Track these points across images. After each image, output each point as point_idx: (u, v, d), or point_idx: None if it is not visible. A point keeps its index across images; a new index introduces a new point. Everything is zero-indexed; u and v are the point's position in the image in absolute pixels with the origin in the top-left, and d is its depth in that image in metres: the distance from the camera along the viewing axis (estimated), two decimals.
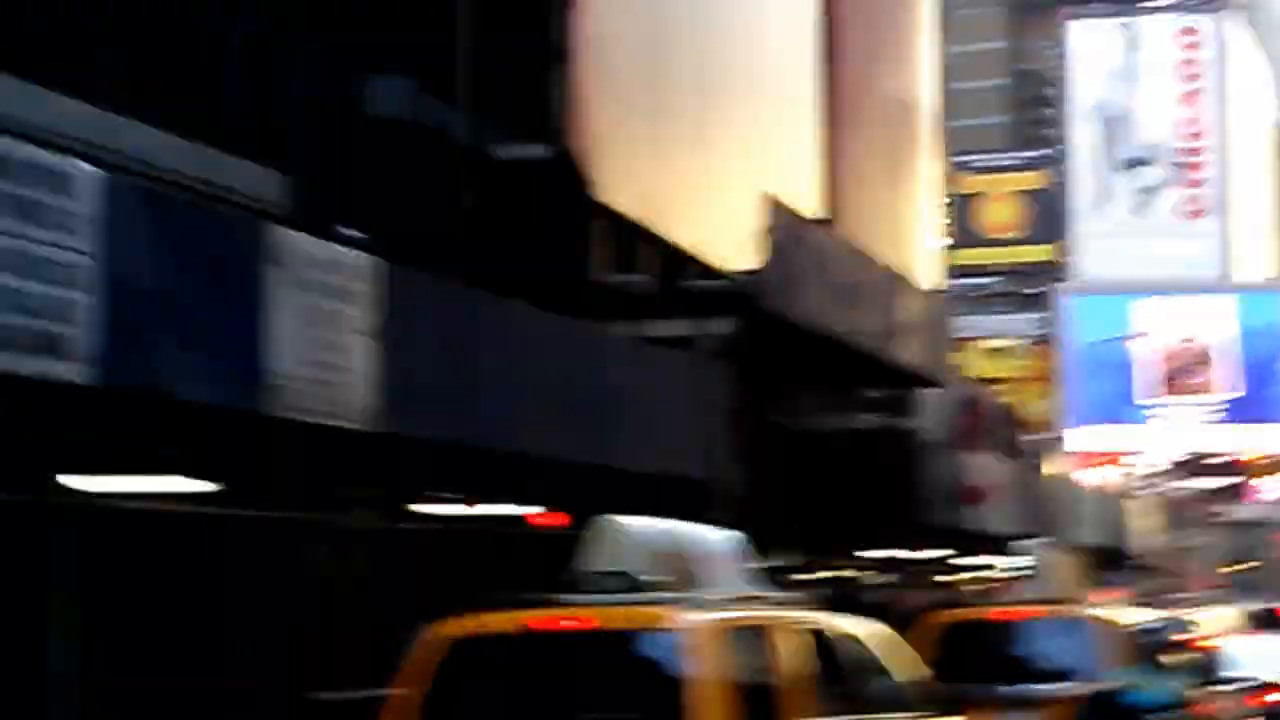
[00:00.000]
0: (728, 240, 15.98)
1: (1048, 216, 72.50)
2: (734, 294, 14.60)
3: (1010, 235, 72.63)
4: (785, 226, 15.61)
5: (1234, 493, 60.96)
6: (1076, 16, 73.73)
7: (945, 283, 31.18)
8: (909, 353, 19.66)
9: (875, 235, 23.75)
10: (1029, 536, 22.46)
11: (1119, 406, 66.14)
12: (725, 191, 17.26)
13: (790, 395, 17.71)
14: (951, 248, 69.82)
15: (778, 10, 21.31)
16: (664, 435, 13.03)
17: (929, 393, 21.30)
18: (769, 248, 15.03)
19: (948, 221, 69.38)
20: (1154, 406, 65.90)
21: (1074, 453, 61.85)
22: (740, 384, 14.69)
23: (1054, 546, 17.35)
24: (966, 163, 72.60)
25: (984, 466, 21.97)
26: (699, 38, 18.08)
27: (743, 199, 16.15)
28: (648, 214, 15.47)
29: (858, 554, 19.49)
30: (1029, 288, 71.35)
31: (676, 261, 15.91)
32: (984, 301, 70.19)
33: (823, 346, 16.68)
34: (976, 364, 62.12)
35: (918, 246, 27.89)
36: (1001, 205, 73.05)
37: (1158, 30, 72.68)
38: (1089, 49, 73.07)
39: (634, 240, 15.35)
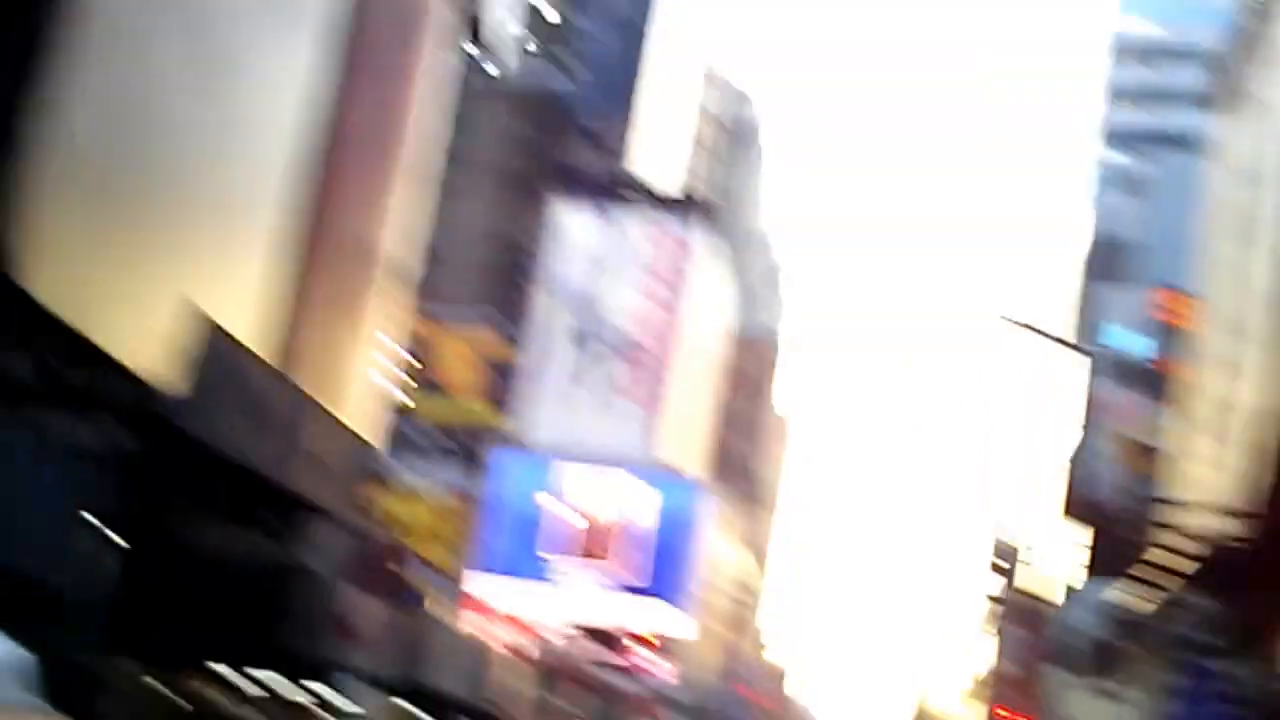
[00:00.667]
0: (157, 352, 15.77)
1: (502, 379, 74.25)
2: (139, 403, 14.40)
3: (463, 392, 73.85)
4: (208, 343, 15.57)
5: (620, 665, 63.33)
6: (563, 198, 76.81)
7: (385, 427, 31.44)
8: (321, 485, 19.76)
9: (321, 371, 23.85)
10: (396, 680, 22.80)
11: (526, 565, 68.09)
12: (166, 304, 17.04)
13: (188, 511, 17.46)
14: (402, 395, 70.78)
15: (262, 133, 21.34)
16: (36, 533, 12.66)
17: (331, 526, 21.40)
18: (187, 363, 14.96)
19: (404, 370, 70.22)
20: (559, 570, 68.06)
21: (475, 605, 63.08)
22: (133, 494, 14.44)
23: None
24: (434, 315, 73.98)
25: (369, 606, 22.16)
26: (174, 155, 17.93)
27: (181, 315, 16.06)
28: (73, 309, 15.12)
29: (224, 674, 19.23)
30: (472, 443, 72.52)
31: (94, 361, 15.54)
32: (424, 451, 70.99)
33: (228, 467, 16.61)
34: (401, 508, 62.67)
35: (363, 387, 28.05)
36: (461, 362, 74.31)
37: (635, 225, 76.62)
38: (570, 229, 76.14)
39: (55, 334, 14.94)
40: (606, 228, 77.04)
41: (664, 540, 69.42)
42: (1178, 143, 63.02)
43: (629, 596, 66.26)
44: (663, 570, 68.65)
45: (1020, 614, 45.53)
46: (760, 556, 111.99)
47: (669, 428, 77.14)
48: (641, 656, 65.06)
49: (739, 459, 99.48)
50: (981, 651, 61.62)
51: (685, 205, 78.98)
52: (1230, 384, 16.35)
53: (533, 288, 76.22)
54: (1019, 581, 45.45)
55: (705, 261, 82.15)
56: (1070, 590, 31.74)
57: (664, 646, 66.38)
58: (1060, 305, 57.70)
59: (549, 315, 75.24)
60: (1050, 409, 49.04)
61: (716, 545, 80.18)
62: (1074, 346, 37.55)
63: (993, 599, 56.45)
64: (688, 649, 69.67)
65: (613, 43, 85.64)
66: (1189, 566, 15.44)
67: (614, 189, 78.25)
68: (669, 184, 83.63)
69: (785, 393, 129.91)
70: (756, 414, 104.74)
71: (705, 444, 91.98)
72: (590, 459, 70.07)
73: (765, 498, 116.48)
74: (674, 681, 66.11)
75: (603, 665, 61.71)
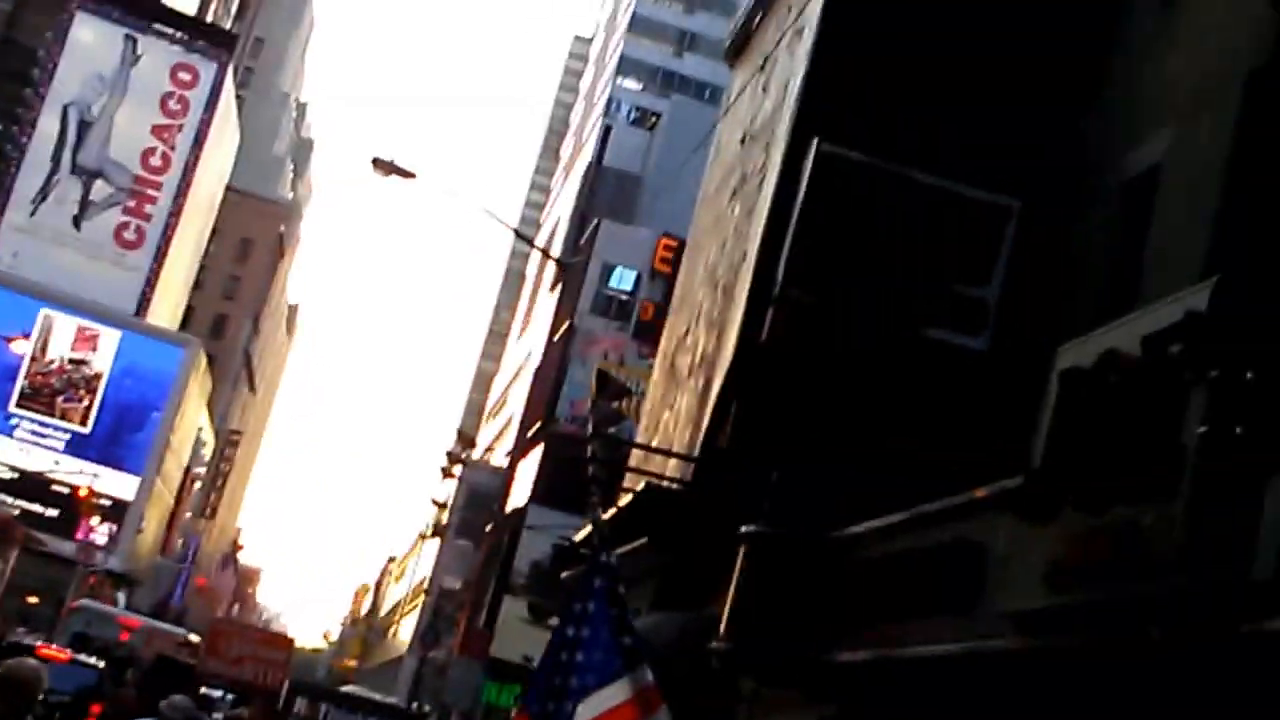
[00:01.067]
0: None
1: None
2: None
3: None
4: None
5: (65, 526, 60.43)
6: (85, 9, 71.70)
7: None
8: None
9: None
10: None
11: None
12: None
13: None
14: None
15: None
16: None
17: None
18: None
19: None
20: (15, 418, 64.39)
21: None
22: None
23: None
24: None
25: None
26: None
27: None
28: None
29: None
30: None
31: None
32: None
33: None
34: None
35: None
36: None
37: (159, 56, 72.49)
38: (87, 45, 71.38)
39: None
40: (126, 49, 72.65)
41: (134, 404, 66.83)
42: (695, 88, 65.28)
43: (71, 456, 63.30)
44: (119, 431, 66.04)
45: (468, 527, 46.34)
46: (243, 443, 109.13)
47: (164, 287, 73.98)
48: (87, 520, 62.23)
49: (235, 335, 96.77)
50: (428, 558, 62.26)
51: (214, 47, 75.33)
52: (713, 339, 16.88)
53: (36, 100, 71.42)
54: (470, 494, 46.17)
55: (228, 114, 78.91)
56: (520, 512, 32.46)
57: (113, 512, 63.73)
58: (564, 227, 58.68)
59: (49, 135, 70.68)
60: (535, 324, 50.02)
61: (195, 422, 77.76)
62: (561, 264, 38.26)
63: (438, 504, 56.78)
64: (140, 522, 67.14)
65: None
66: (631, 506, 15.97)
67: (141, 12, 73.86)
68: (200, 24, 79.82)
69: (299, 280, 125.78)
70: (263, 292, 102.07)
71: (199, 312, 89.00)
72: (76, 309, 66.27)
73: (258, 382, 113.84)
74: (115, 547, 63.40)
75: (51, 523, 58.83)
